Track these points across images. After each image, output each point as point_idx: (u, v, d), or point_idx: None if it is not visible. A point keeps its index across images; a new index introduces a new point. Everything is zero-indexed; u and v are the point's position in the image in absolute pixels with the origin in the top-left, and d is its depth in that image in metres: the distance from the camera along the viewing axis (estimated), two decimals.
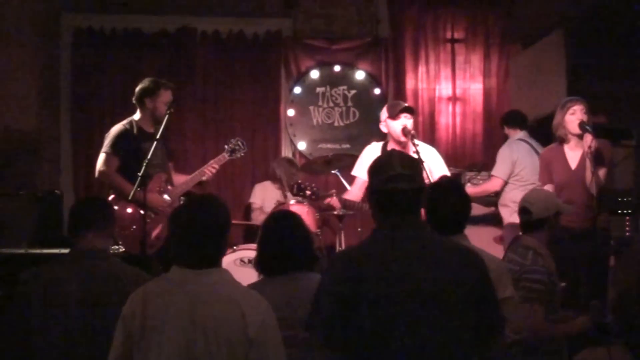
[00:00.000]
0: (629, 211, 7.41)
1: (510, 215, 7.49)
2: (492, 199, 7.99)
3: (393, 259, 2.89)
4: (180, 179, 6.74)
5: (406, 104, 6.23)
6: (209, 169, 6.66)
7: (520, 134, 8.02)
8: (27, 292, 4.03)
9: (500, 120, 8.54)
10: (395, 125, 6.03)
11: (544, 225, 4.85)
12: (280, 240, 4.14)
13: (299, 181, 6.24)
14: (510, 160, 7.68)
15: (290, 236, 4.15)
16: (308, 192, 6.11)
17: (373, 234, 3.09)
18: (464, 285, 2.86)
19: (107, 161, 6.42)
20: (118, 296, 3.72)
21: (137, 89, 6.63)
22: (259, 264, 4.23)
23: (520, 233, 4.99)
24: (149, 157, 5.72)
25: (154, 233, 6.27)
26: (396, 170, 2.98)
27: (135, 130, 6.52)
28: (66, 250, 6.31)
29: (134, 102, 6.62)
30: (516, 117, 8.28)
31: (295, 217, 4.40)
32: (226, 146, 6.83)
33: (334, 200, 6.10)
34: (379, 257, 2.93)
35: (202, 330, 3.19)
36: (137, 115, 6.60)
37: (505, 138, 8.27)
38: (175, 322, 3.20)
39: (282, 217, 4.43)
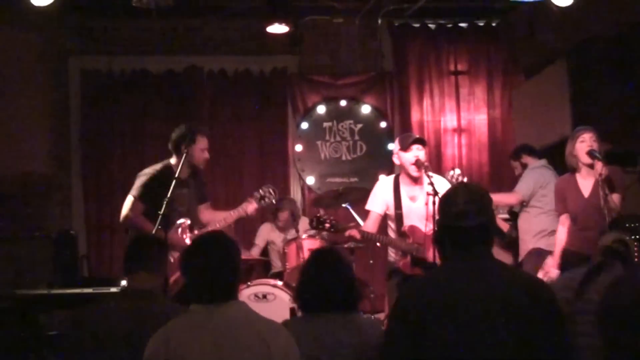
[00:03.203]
0: (637, 237, 7.47)
1: (535, 241, 7.58)
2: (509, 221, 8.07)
3: (458, 291, 2.96)
4: (218, 216, 6.70)
5: (417, 136, 6.31)
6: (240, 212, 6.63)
7: (543, 161, 8.00)
8: (79, 331, 4.06)
9: (513, 154, 8.39)
10: (408, 157, 6.08)
11: None
12: (321, 278, 4.06)
13: (318, 214, 6.27)
14: (535, 182, 7.71)
15: (333, 275, 4.07)
16: (327, 225, 6.14)
17: (441, 265, 3.18)
18: (529, 318, 2.90)
19: (133, 206, 6.30)
20: None
21: (173, 134, 6.44)
22: (301, 299, 4.18)
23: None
24: (167, 196, 5.70)
25: (172, 278, 6.01)
26: (460, 207, 3.04)
27: (167, 176, 6.17)
28: (89, 290, 6.42)
29: (169, 147, 6.45)
30: (531, 147, 8.29)
31: (339, 256, 4.31)
32: (256, 193, 6.72)
33: (353, 232, 6.13)
34: (445, 287, 2.99)
35: None
36: (173, 160, 6.42)
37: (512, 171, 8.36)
38: (201, 358, 3.25)
39: (326, 254, 4.35)
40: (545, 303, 2.98)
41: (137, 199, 6.29)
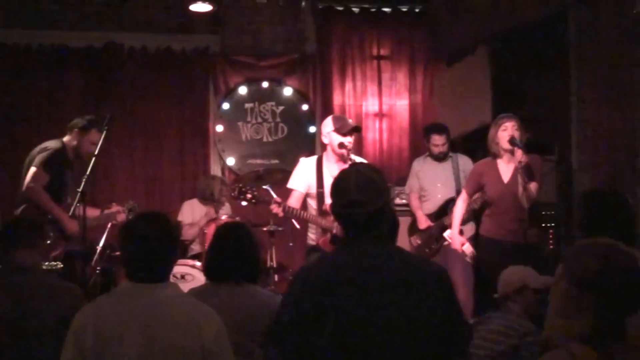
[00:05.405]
0: (552, 224, 7.62)
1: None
2: None
3: (354, 276, 2.92)
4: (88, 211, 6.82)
5: (355, 125, 6.34)
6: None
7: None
8: None
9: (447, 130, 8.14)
10: (339, 140, 6.10)
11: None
12: (228, 249, 4.27)
13: (240, 184, 6.25)
14: None
15: (239, 246, 4.29)
16: (249, 196, 6.12)
17: (337, 250, 3.16)
18: (423, 301, 2.89)
19: (38, 176, 6.44)
20: (49, 305, 3.86)
21: (75, 119, 6.73)
22: (206, 269, 4.39)
23: None
24: (87, 174, 5.79)
25: (53, 253, 6.05)
26: (352, 196, 2.99)
27: (64, 154, 6.62)
28: None
29: (67, 126, 6.72)
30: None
31: (246, 229, 4.49)
32: (127, 204, 7.04)
33: (275, 208, 6.10)
34: (341, 272, 2.95)
35: (159, 343, 3.22)
36: (66, 139, 6.69)
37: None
38: (131, 337, 3.21)
39: (234, 227, 4.53)
40: (441, 285, 2.97)
41: (42, 169, 6.45)
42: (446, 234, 7.10)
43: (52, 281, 4.26)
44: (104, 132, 6.28)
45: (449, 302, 2.95)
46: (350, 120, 6.39)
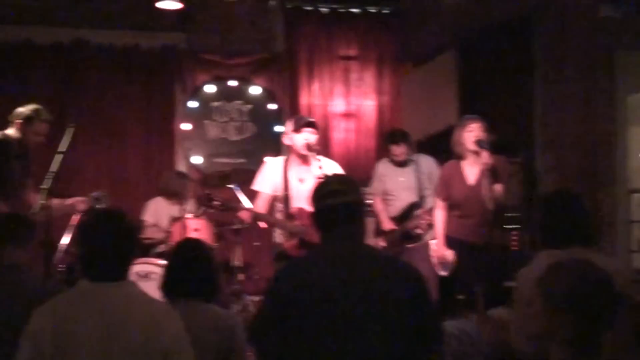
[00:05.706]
0: (517, 226, 7.67)
1: None
2: None
3: (331, 270, 3.03)
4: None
5: (310, 119, 6.31)
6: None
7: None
8: None
9: (406, 138, 7.92)
10: (298, 139, 6.09)
11: None
12: (185, 266, 4.22)
13: (208, 192, 6.23)
14: None
15: (196, 264, 4.22)
16: (216, 203, 6.11)
17: (316, 247, 3.34)
18: (398, 297, 2.97)
19: None
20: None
21: (20, 108, 6.56)
22: (162, 286, 4.30)
23: None
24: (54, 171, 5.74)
25: None
26: (332, 186, 3.16)
27: (10, 145, 6.42)
28: None
29: (10, 117, 6.54)
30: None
31: (203, 247, 4.46)
32: (93, 194, 6.78)
33: (244, 214, 6.09)
34: (319, 267, 3.07)
35: (119, 343, 3.18)
36: (8, 130, 6.50)
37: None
38: (90, 337, 3.17)
39: (190, 245, 4.49)
40: (415, 283, 3.08)
41: None
42: (433, 243, 6.99)
43: (38, 281, 4.21)
44: (72, 130, 6.22)
45: (422, 300, 3.05)
46: (307, 118, 6.39)
